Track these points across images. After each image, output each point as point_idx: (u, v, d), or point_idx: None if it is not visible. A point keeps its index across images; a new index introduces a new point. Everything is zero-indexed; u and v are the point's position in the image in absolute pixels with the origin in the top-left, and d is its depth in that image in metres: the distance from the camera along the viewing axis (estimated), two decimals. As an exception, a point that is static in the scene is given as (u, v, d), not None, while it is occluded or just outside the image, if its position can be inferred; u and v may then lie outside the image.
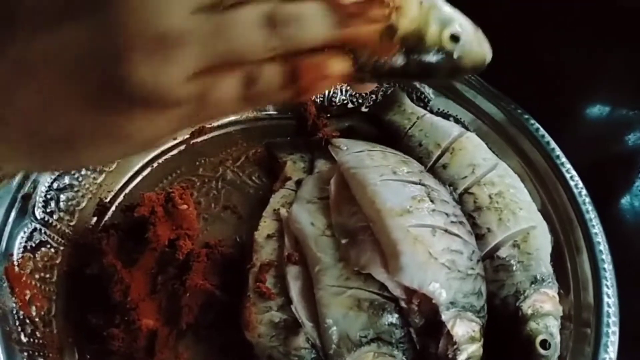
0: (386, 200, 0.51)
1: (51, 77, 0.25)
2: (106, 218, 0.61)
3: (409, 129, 0.62)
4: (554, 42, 0.76)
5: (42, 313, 0.53)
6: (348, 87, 0.69)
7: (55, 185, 0.58)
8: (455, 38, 0.33)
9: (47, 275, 0.55)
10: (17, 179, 0.55)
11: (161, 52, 0.25)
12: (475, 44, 0.34)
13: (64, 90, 0.25)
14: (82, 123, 0.26)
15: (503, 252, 0.54)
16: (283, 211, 0.58)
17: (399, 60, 0.32)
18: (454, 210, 0.53)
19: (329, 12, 0.28)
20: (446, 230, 0.50)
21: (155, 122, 0.27)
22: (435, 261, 0.48)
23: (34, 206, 0.56)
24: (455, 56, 0.33)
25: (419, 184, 0.53)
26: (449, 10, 0.33)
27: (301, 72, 0.28)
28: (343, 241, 0.52)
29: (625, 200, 0.69)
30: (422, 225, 0.50)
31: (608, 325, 0.51)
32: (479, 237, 0.54)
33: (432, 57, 0.33)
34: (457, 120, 0.65)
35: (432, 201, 0.52)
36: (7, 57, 0.25)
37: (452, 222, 0.51)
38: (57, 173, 0.58)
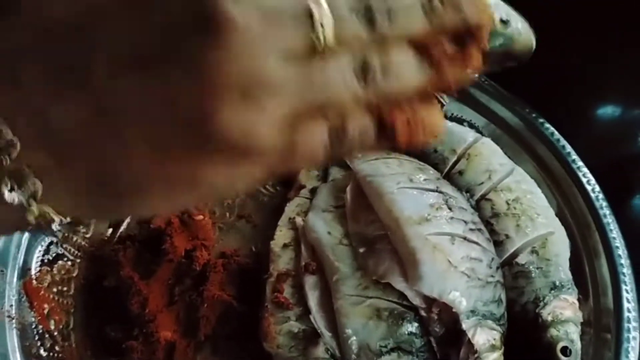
0: (404, 208, 0.51)
1: (131, 124, 0.24)
2: (121, 229, 0.61)
3: (423, 135, 0.62)
4: (564, 43, 0.76)
5: (61, 327, 0.53)
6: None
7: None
8: (504, 22, 0.33)
9: (65, 289, 0.55)
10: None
11: (252, 101, 0.23)
12: (523, 29, 0.34)
13: (143, 137, 0.24)
14: (158, 170, 0.25)
15: (522, 259, 0.53)
16: (299, 220, 0.58)
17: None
18: (472, 217, 0.53)
19: (421, 60, 0.26)
20: (465, 238, 0.50)
21: (236, 171, 0.26)
22: (454, 269, 0.48)
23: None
24: (506, 40, 0.34)
25: (436, 191, 0.53)
26: None
27: (395, 123, 0.27)
28: (361, 250, 0.52)
29: (639, 201, 0.69)
30: (441, 233, 0.49)
31: (628, 330, 0.51)
32: (497, 244, 0.54)
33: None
34: (471, 125, 0.64)
35: (450, 209, 0.52)
36: (81, 103, 0.23)
37: (471, 229, 0.51)
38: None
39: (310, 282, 0.53)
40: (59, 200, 0.25)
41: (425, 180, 0.54)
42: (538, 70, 0.71)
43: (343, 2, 0.24)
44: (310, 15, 0.23)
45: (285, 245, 0.57)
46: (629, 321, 0.51)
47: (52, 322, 0.53)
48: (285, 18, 0.23)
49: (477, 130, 0.64)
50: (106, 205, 0.26)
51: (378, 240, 0.52)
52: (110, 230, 0.61)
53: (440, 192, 0.53)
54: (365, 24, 0.25)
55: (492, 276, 0.50)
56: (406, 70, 0.26)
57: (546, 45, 0.75)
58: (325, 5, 0.24)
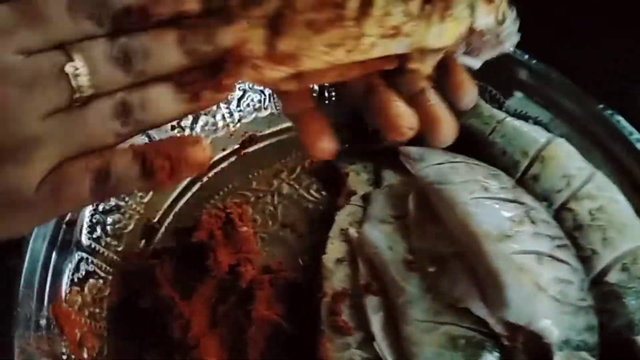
0: (481, 222, 0.45)
1: None
2: (156, 240, 0.56)
3: (489, 135, 0.56)
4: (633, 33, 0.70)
5: (94, 355, 0.48)
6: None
7: (100, 208, 0.52)
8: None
9: (97, 310, 0.50)
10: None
11: (18, 158, 0.27)
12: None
13: None
14: None
15: (611, 277, 0.47)
16: (352, 231, 0.52)
17: None
18: (556, 231, 0.47)
19: (176, 90, 0.28)
20: (552, 256, 0.44)
21: (11, 221, 0.29)
22: (543, 293, 0.42)
23: (79, 233, 0.50)
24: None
25: (515, 202, 0.47)
26: None
27: (156, 162, 0.29)
28: (430, 269, 0.46)
29: None
30: (526, 251, 0.44)
31: None
32: (583, 260, 0.47)
33: None
34: (536, 123, 0.58)
35: (532, 222, 0.46)
36: None
37: (558, 246, 0.45)
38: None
39: (372, 303, 0.47)
40: None
41: (501, 188, 0.48)
42: (605, 60, 0.66)
43: (99, 51, 0.27)
44: (64, 71, 0.27)
45: (338, 260, 0.51)
46: None
47: (85, 350, 0.47)
48: (43, 81, 0.27)
49: (545, 129, 0.57)
50: None
51: (450, 258, 0.46)
52: (143, 242, 0.55)
53: (520, 202, 0.47)
54: (122, 68, 0.27)
55: (584, 299, 0.44)
56: (162, 103, 0.28)
57: (613, 34, 0.69)
58: (79, 59, 0.27)
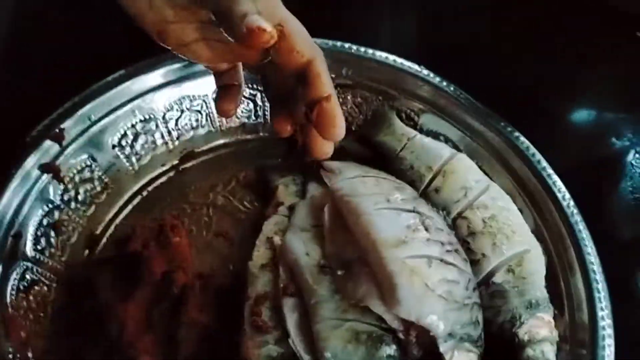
0: (381, 230, 0.51)
1: None
2: (97, 251, 0.60)
3: (400, 151, 0.62)
4: (538, 48, 0.77)
5: (39, 354, 0.52)
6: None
7: (45, 222, 0.57)
8: None
9: (41, 314, 0.55)
10: (8, 217, 0.54)
11: None
12: None
13: None
14: None
15: (498, 278, 0.54)
16: (277, 239, 0.58)
17: None
18: (448, 238, 0.53)
19: None
20: (442, 260, 0.50)
21: None
22: (432, 293, 0.48)
23: (24, 245, 0.55)
24: None
25: (413, 211, 0.53)
26: None
27: None
28: (339, 272, 0.52)
29: (611, 203, 0.70)
30: (418, 255, 0.50)
31: (603, 347, 0.52)
32: (474, 263, 0.54)
33: None
34: (447, 139, 0.64)
35: (426, 230, 0.52)
36: None
37: (448, 250, 0.51)
38: (46, 209, 0.57)
39: (288, 304, 0.53)
40: None
41: (402, 200, 0.54)
42: (509, 75, 0.73)
43: None
44: None
45: (263, 266, 0.57)
46: (603, 338, 0.52)
47: (30, 349, 0.52)
48: None
49: (453, 145, 0.64)
50: None
51: (356, 262, 0.52)
52: (87, 252, 0.60)
53: (417, 212, 0.53)
54: None
55: (469, 298, 0.50)
56: None
57: (518, 50, 0.76)
58: None
